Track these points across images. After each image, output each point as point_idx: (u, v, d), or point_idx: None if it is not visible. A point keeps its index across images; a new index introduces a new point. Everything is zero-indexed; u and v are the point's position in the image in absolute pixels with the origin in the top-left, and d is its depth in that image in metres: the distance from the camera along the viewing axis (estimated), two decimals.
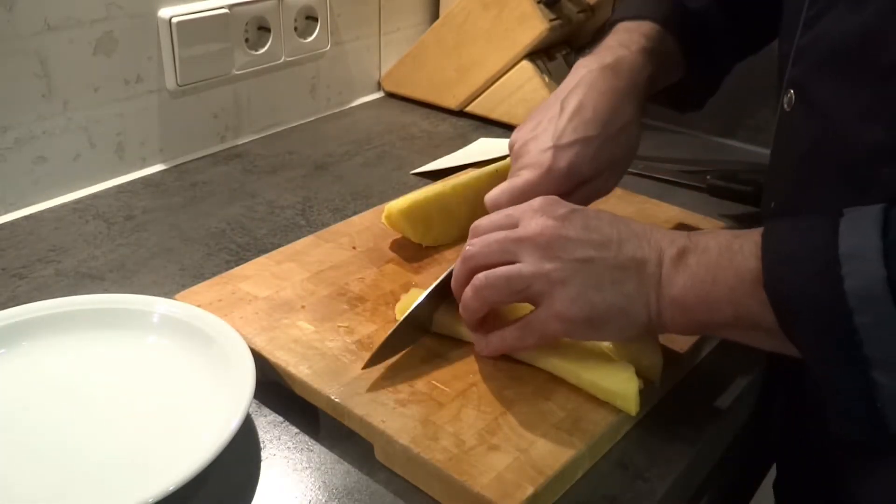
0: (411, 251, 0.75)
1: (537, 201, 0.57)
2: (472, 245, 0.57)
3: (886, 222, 0.46)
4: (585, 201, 0.67)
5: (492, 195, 0.65)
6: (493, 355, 0.60)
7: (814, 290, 0.46)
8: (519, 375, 0.59)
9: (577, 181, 0.65)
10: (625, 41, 0.70)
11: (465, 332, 0.61)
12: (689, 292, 0.52)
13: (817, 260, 0.46)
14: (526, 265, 0.54)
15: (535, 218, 0.55)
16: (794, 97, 0.60)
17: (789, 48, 0.61)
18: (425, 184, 0.89)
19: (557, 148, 0.64)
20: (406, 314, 0.60)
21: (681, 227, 0.80)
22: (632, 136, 0.68)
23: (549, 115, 0.66)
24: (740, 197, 0.91)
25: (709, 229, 0.54)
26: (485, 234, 0.57)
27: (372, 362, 0.58)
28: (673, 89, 0.76)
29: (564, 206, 0.56)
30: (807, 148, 0.59)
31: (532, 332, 0.56)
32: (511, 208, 0.58)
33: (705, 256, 0.52)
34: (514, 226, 0.56)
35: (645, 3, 0.75)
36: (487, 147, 1.03)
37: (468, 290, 0.57)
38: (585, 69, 0.68)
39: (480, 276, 0.56)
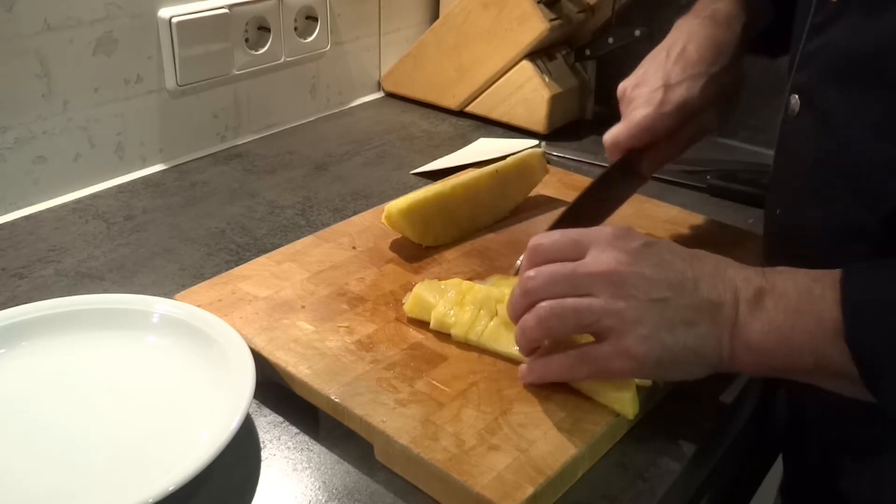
0: (411, 251, 0.75)
1: (609, 231, 0.55)
2: (537, 276, 0.55)
3: None
4: (693, 137, 0.72)
5: (611, 133, 0.69)
6: (537, 383, 0.58)
7: None
8: (519, 376, 0.59)
9: (687, 115, 0.69)
10: None
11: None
12: (767, 338, 0.50)
13: None
14: (598, 300, 0.52)
15: (606, 251, 0.53)
16: (799, 103, 0.59)
17: (794, 50, 0.61)
18: (425, 184, 0.89)
19: (667, 87, 0.68)
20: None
21: (681, 227, 0.80)
22: (735, 75, 0.71)
23: (656, 63, 0.70)
24: (740, 197, 0.91)
25: (785, 268, 0.52)
26: (549, 262, 0.55)
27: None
28: (764, 35, 0.76)
29: (637, 239, 0.54)
30: (814, 157, 0.58)
31: (590, 364, 0.54)
32: (578, 232, 0.56)
33: (783, 300, 0.50)
34: (582, 254, 0.54)
35: None
36: (487, 147, 1.03)
37: (530, 319, 0.54)
38: (686, 23, 0.72)
39: (545, 305, 0.54)
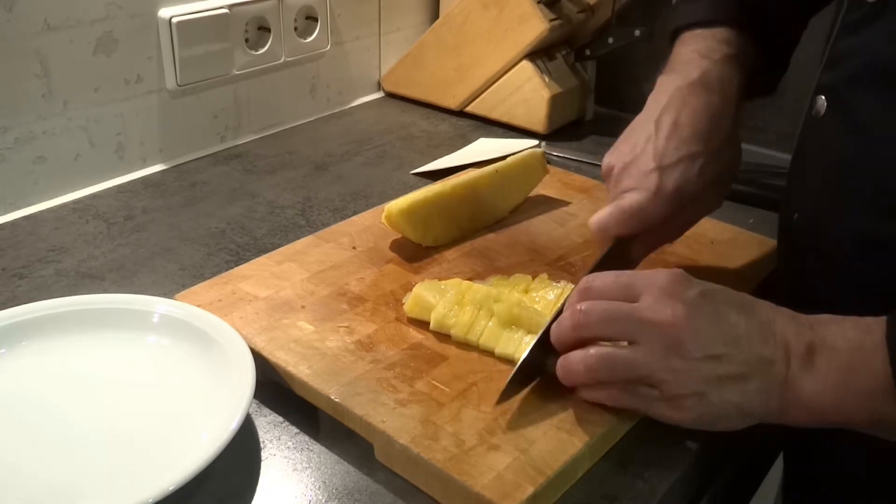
0: (411, 251, 0.75)
1: (664, 277, 0.53)
2: (590, 311, 0.53)
3: None
4: (691, 221, 0.66)
5: (599, 219, 0.62)
6: (581, 393, 0.56)
7: None
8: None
9: (685, 201, 0.62)
10: (703, 51, 0.66)
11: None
12: (820, 397, 0.49)
13: None
14: (650, 356, 0.51)
15: (663, 300, 0.52)
16: (826, 104, 0.57)
17: (822, 49, 0.59)
18: (425, 184, 0.89)
19: (662, 168, 0.61)
20: (518, 364, 0.57)
21: None
22: (734, 150, 0.65)
23: (645, 136, 0.63)
24: (741, 197, 0.91)
25: (831, 317, 0.51)
26: (600, 301, 0.54)
27: (502, 399, 0.56)
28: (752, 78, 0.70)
29: (693, 286, 0.53)
30: (838, 160, 0.56)
31: (636, 401, 0.54)
32: (631, 275, 0.54)
33: (836, 358, 0.49)
34: (635, 298, 0.53)
35: (706, 5, 0.69)
36: (487, 147, 1.03)
37: (579, 364, 0.53)
38: (673, 86, 0.64)
39: (595, 353, 0.53)
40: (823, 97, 0.58)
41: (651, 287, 0.53)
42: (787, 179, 0.66)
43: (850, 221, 0.55)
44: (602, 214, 0.62)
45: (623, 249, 0.64)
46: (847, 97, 0.56)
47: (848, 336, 0.50)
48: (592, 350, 0.53)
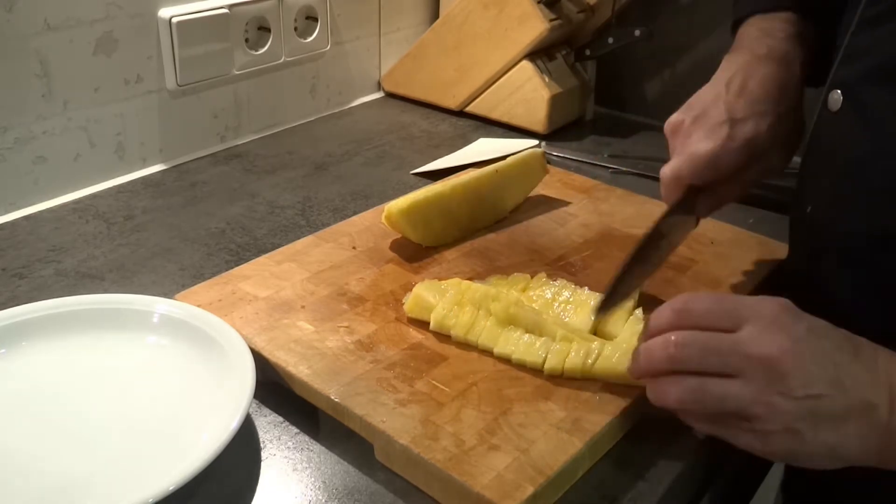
0: (411, 251, 0.75)
1: (771, 307, 0.50)
2: (688, 345, 0.50)
3: None
4: (756, 180, 0.67)
5: (672, 168, 0.62)
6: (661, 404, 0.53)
7: None
8: (519, 375, 0.59)
9: (754, 154, 0.63)
10: (768, 29, 0.68)
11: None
12: None
13: None
14: (748, 388, 0.48)
15: (768, 332, 0.49)
16: (841, 99, 0.57)
17: (838, 43, 0.58)
18: (425, 184, 0.89)
19: (734, 121, 0.62)
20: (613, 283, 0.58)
21: None
22: (799, 119, 0.66)
23: (714, 94, 0.64)
24: (741, 197, 0.90)
25: None
26: (698, 328, 0.51)
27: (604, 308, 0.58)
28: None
29: (801, 320, 0.50)
30: (854, 155, 0.56)
31: (719, 428, 0.51)
32: (734, 301, 0.51)
33: None
34: (736, 326, 0.50)
35: None
36: (487, 147, 1.03)
37: (671, 393, 0.51)
38: (742, 59, 0.66)
39: (688, 387, 0.50)
40: (839, 92, 0.57)
41: (756, 317, 0.50)
42: (799, 175, 0.66)
43: (865, 217, 0.55)
44: (674, 163, 0.63)
45: (690, 203, 0.64)
46: (863, 93, 0.56)
47: None
48: (686, 381, 0.50)
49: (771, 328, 0.49)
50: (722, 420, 0.51)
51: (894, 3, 0.54)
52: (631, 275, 0.60)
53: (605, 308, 0.58)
